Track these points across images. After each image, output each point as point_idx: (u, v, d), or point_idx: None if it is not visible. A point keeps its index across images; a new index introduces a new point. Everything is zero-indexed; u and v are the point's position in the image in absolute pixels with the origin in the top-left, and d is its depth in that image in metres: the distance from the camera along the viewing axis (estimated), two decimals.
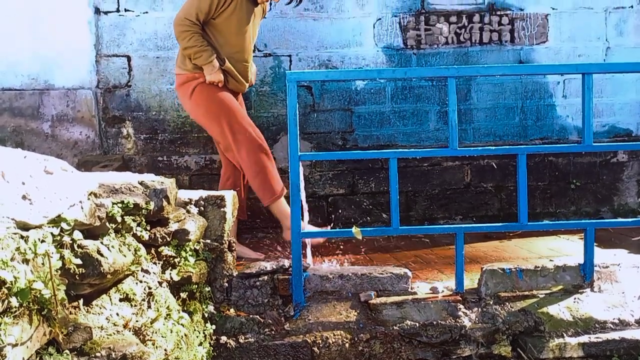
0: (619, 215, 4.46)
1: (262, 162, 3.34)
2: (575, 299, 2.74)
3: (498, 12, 4.37)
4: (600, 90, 4.46)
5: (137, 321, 2.02)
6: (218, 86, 3.37)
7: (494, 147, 2.97)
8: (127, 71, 4.11)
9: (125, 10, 4.07)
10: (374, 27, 4.29)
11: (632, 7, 4.47)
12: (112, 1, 4.05)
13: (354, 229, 2.76)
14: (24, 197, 1.55)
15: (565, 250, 3.50)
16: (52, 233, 1.63)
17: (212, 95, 3.36)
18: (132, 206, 2.09)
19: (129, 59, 4.10)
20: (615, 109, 4.52)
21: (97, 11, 4.05)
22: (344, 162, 4.28)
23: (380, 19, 4.28)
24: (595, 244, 2.82)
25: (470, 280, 2.84)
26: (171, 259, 2.34)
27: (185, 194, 2.69)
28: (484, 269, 2.77)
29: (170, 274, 2.31)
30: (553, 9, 4.41)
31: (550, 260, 2.88)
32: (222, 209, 2.68)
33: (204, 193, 2.73)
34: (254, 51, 3.64)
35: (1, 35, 3.97)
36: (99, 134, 4.11)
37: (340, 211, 4.30)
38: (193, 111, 3.49)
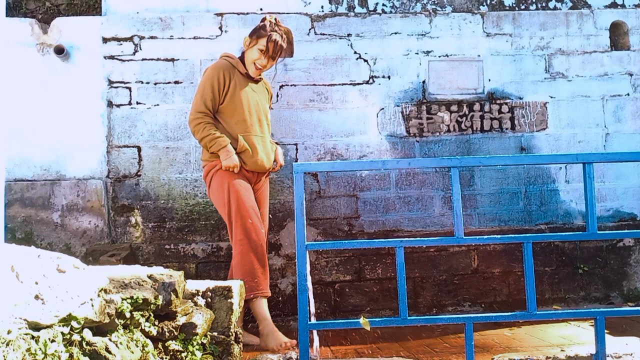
0: (629, 300, 4.41)
1: (248, 257, 3.39)
2: None
3: (498, 101, 4.50)
4: (602, 175, 4.53)
5: None
6: (234, 172, 3.48)
7: (499, 236, 2.99)
8: (137, 161, 4.21)
9: (137, 103, 4.22)
10: (377, 116, 4.41)
11: (628, 94, 4.61)
12: (125, 95, 4.21)
13: (362, 320, 2.74)
14: (36, 297, 1.58)
15: (576, 338, 3.45)
16: (62, 332, 1.64)
17: (224, 180, 3.49)
18: (141, 301, 2.10)
19: (139, 149, 4.21)
20: (618, 194, 4.57)
21: (110, 104, 4.20)
22: (351, 248, 4.29)
23: (383, 108, 4.42)
24: (606, 331, 2.78)
25: None
26: (178, 353, 2.32)
27: (192, 285, 2.69)
28: None
29: None
30: (551, 97, 4.55)
31: (562, 350, 2.83)
32: (229, 300, 2.68)
33: (211, 284, 2.73)
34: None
35: (16, 128, 4.10)
36: (108, 223, 4.16)
37: (346, 298, 4.27)
38: (211, 196, 3.62)
